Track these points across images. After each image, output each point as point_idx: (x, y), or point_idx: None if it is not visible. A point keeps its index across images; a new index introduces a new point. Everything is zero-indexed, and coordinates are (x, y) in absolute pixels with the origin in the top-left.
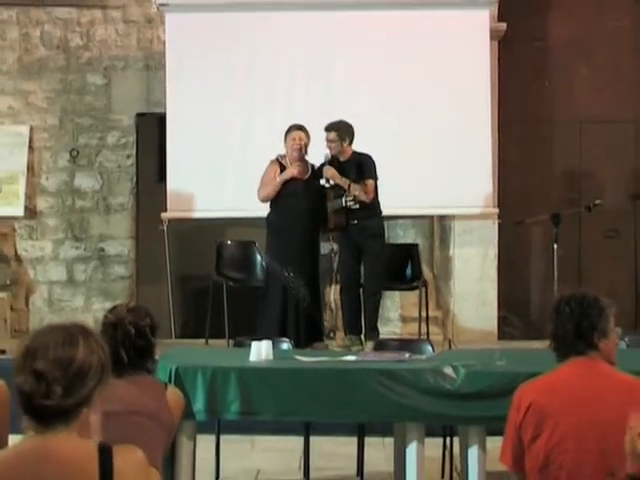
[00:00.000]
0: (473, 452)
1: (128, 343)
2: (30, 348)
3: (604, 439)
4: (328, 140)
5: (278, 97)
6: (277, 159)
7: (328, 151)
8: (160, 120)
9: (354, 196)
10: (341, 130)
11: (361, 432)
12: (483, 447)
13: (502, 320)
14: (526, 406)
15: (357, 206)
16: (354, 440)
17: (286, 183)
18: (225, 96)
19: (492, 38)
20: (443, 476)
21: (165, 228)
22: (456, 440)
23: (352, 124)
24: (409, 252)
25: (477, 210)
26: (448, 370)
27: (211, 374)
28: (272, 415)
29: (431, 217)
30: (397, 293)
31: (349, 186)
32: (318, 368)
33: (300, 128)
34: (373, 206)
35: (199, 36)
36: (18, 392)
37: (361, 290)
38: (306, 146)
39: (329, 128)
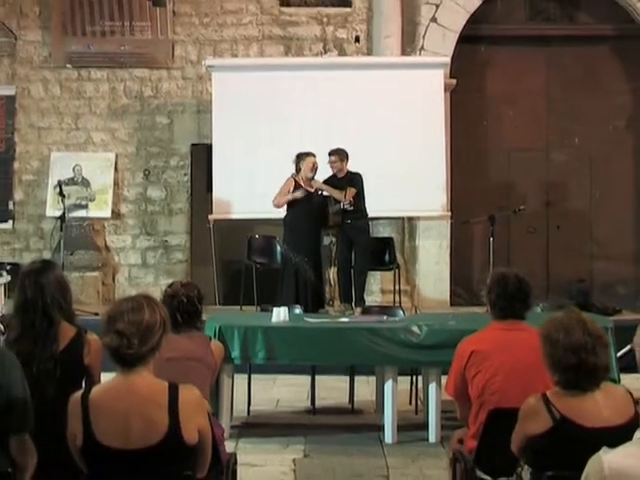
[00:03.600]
0: (432, 386)
1: (182, 309)
2: (110, 315)
3: (524, 373)
4: (331, 161)
5: (293, 132)
6: (292, 176)
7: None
8: (208, 149)
9: (350, 201)
10: (340, 154)
11: (352, 372)
12: (439, 383)
13: (453, 292)
14: (468, 354)
15: (351, 208)
16: (347, 378)
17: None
18: (254, 131)
19: (445, 90)
20: (410, 403)
21: (211, 226)
22: (420, 378)
23: (347, 151)
24: (387, 243)
25: (435, 213)
26: (414, 328)
27: (244, 331)
28: (288, 360)
29: (403, 218)
30: (378, 273)
31: (333, 191)
32: (321, 327)
33: (314, 155)
34: (362, 210)
35: (236, 89)
36: (107, 347)
37: (352, 271)
38: (316, 168)
39: (332, 153)
